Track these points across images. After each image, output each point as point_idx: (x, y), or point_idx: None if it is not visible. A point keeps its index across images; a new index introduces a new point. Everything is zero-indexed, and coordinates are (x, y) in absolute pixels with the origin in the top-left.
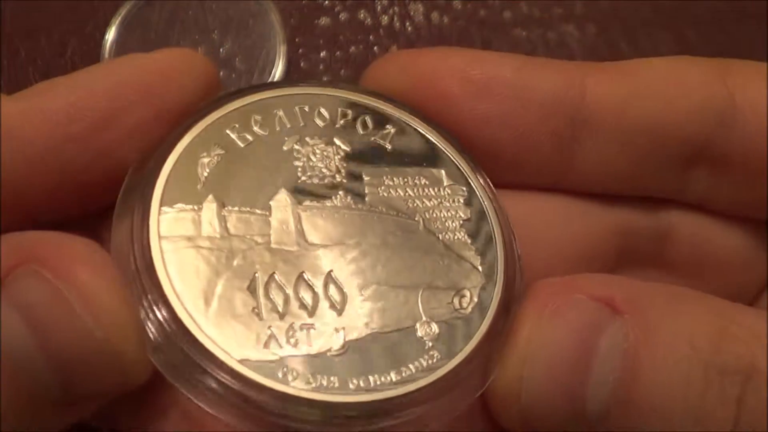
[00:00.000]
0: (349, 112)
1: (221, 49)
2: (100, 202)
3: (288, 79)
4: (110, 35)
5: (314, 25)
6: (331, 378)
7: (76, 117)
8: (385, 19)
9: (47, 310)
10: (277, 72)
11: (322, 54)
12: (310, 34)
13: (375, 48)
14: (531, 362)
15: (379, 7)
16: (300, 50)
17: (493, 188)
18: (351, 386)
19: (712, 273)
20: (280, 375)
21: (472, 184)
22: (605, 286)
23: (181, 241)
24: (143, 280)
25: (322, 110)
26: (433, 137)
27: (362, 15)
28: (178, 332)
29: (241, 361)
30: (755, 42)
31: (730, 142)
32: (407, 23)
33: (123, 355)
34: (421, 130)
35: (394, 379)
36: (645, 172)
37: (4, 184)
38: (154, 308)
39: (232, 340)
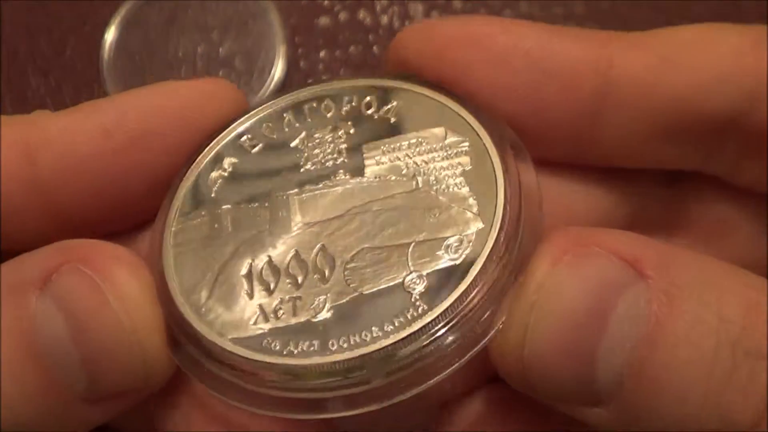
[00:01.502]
0: (354, 97)
1: (221, 49)
2: (136, 216)
3: (301, 84)
4: (110, 35)
5: (314, 25)
6: (313, 342)
7: (111, 134)
8: (384, 19)
9: (84, 301)
10: (277, 72)
11: (321, 54)
12: (310, 33)
13: (374, 48)
14: (539, 311)
15: (378, 7)
16: (299, 50)
17: (518, 142)
18: (331, 347)
19: (725, 245)
20: (263, 345)
21: (478, 133)
22: (633, 245)
23: (191, 244)
24: (161, 290)
25: (329, 102)
26: (441, 99)
27: (362, 15)
28: (181, 322)
29: (232, 340)
30: None
31: (761, 116)
32: (407, 23)
33: (146, 349)
34: (430, 95)
35: (374, 335)
36: (669, 147)
37: (49, 188)
38: (169, 314)
39: (226, 324)
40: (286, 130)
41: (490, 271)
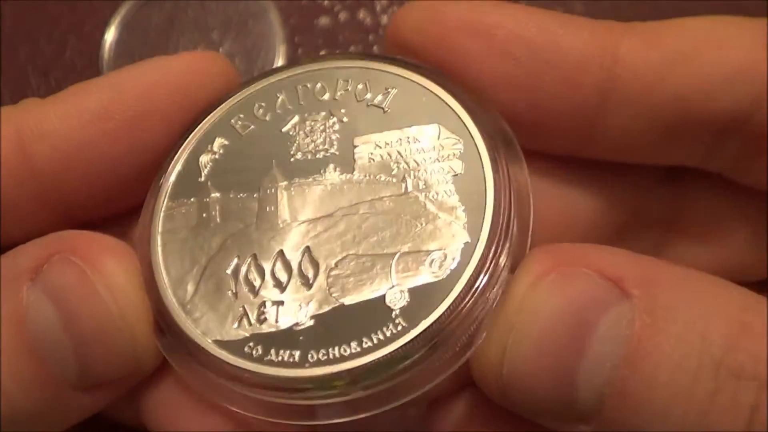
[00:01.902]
0: (349, 80)
1: (221, 49)
2: (135, 197)
3: (295, 59)
4: (110, 35)
5: (314, 25)
6: (293, 352)
7: (108, 116)
8: (384, 19)
9: (73, 289)
10: None
11: (321, 54)
12: (310, 33)
13: (374, 48)
14: (517, 333)
15: (378, 7)
16: (299, 50)
17: (512, 140)
18: (310, 359)
19: (724, 244)
20: (245, 351)
21: (472, 135)
22: (617, 262)
23: (179, 233)
24: (148, 272)
25: (323, 84)
26: (437, 91)
27: (362, 15)
28: (168, 317)
29: (215, 342)
30: None
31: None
32: None
33: (135, 334)
34: (425, 86)
35: (353, 351)
36: (671, 144)
37: (45, 179)
38: (154, 301)
39: (208, 322)
40: (279, 112)
41: (473, 290)
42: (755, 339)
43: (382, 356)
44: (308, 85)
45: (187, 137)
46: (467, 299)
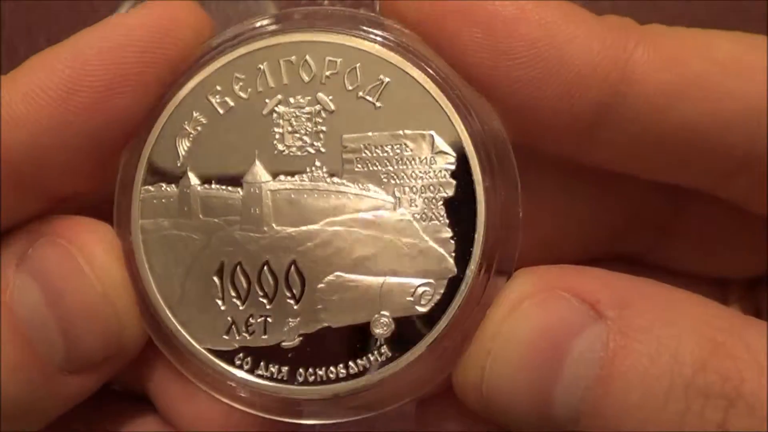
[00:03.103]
0: (339, 61)
1: None
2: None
3: (279, 20)
4: None
5: None
6: (282, 368)
7: (76, 89)
8: None
9: (58, 268)
10: None
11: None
12: None
13: None
14: (494, 358)
15: (378, 7)
16: None
17: (509, 151)
18: (299, 378)
19: (716, 247)
20: (236, 362)
21: (465, 149)
22: (594, 285)
23: (160, 223)
24: (130, 263)
25: (309, 60)
26: (431, 90)
27: None
28: (156, 317)
29: (206, 349)
30: None
31: None
32: None
33: (118, 311)
34: (421, 82)
35: (340, 375)
36: (675, 169)
37: (21, 169)
38: (139, 292)
39: (198, 328)
40: (260, 89)
41: (456, 323)
42: (726, 359)
43: (369, 383)
44: (292, 60)
45: (161, 110)
46: (450, 332)
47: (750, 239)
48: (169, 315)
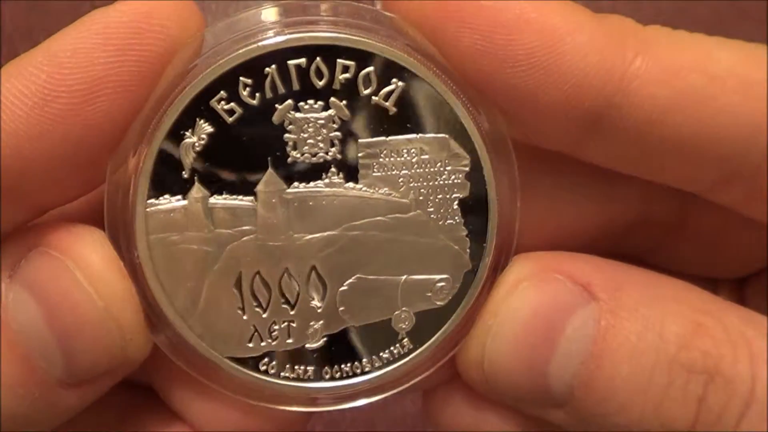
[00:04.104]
0: (352, 64)
1: None
2: (103, 176)
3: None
4: None
5: None
6: (308, 368)
7: (53, 95)
8: None
9: (55, 283)
10: None
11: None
12: None
13: None
14: (494, 335)
15: (379, 7)
16: None
17: (506, 139)
18: (325, 375)
19: (722, 247)
20: (261, 367)
21: (478, 152)
22: (587, 269)
23: (169, 238)
24: (135, 276)
25: (320, 65)
26: (441, 89)
27: None
28: (170, 331)
29: (228, 359)
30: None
31: None
32: None
33: (121, 324)
34: (433, 85)
35: (365, 369)
36: (668, 173)
37: (1, 180)
38: (147, 304)
39: (218, 338)
40: (269, 95)
41: (470, 313)
42: (707, 338)
43: (391, 370)
44: (302, 63)
45: (161, 119)
46: (465, 320)
47: (746, 242)
48: (187, 327)
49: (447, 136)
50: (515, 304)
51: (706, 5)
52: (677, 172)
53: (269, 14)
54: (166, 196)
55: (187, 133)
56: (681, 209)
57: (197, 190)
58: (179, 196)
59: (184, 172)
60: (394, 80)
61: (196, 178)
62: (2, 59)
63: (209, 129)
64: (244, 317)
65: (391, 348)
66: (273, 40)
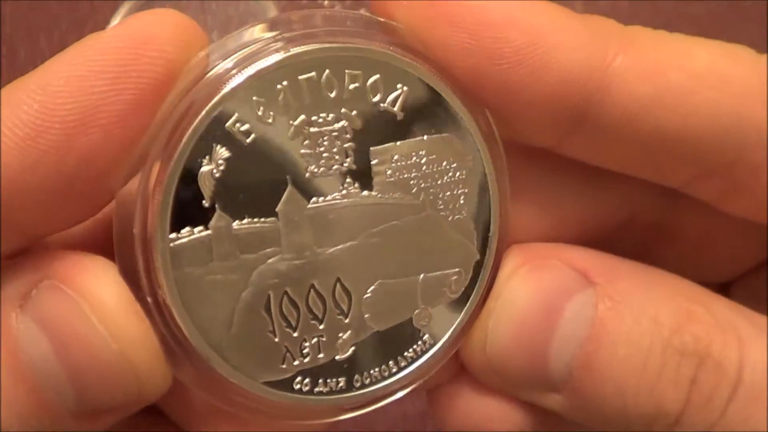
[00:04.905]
0: (359, 73)
1: None
2: (104, 205)
3: (283, 20)
4: None
5: None
6: (339, 380)
7: (46, 126)
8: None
9: (68, 323)
10: None
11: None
12: None
13: None
14: (496, 317)
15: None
16: None
17: (496, 134)
18: (356, 384)
19: (710, 253)
20: (295, 386)
21: (478, 147)
22: (585, 257)
23: (195, 272)
24: (160, 313)
25: (329, 76)
26: (441, 88)
27: None
28: (200, 364)
29: (263, 383)
30: (755, 43)
31: (759, 159)
32: None
33: (137, 367)
34: (432, 85)
35: (392, 370)
36: (649, 168)
37: None
38: (175, 341)
39: (253, 365)
40: (282, 112)
41: (481, 301)
42: (698, 323)
43: (415, 368)
44: (314, 76)
45: (175, 148)
46: (475, 311)
47: (730, 245)
48: (222, 361)
49: (449, 134)
50: (515, 287)
51: (706, 6)
52: (657, 166)
53: (266, 29)
54: (188, 228)
55: (204, 161)
56: (667, 213)
57: (219, 218)
58: (201, 227)
59: (204, 201)
60: (399, 85)
61: (217, 205)
62: (2, 59)
63: (226, 154)
64: (276, 339)
65: (414, 347)
66: (281, 55)
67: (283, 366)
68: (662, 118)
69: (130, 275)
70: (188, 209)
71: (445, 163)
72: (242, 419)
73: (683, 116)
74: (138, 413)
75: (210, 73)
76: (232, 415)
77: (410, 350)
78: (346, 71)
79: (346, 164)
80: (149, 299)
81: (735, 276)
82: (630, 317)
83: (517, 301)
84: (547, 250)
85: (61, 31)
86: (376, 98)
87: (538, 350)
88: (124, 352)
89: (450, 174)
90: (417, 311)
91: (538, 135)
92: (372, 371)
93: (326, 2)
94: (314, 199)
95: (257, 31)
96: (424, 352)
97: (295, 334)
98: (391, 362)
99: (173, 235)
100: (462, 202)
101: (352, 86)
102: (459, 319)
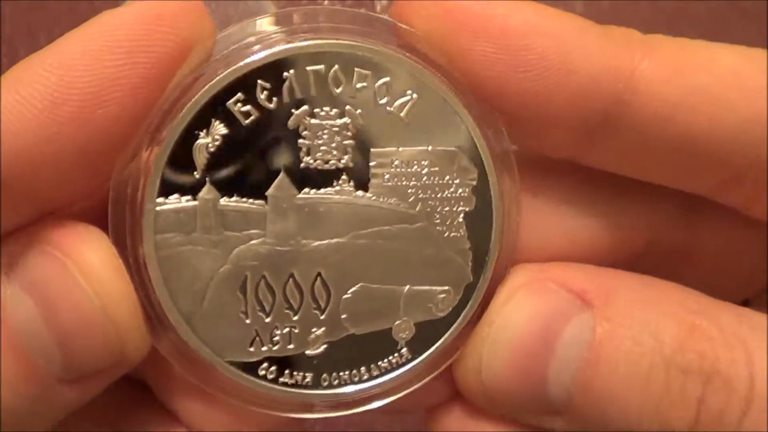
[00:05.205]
0: (368, 73)
1: None
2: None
3: (283, 20)
4: None
5: None
6: (306, 375)
7: (63, 98)
8: None
9: (54, 284)
10: None
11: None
12: None
13: None
14: (491, 343)
15: (378, 7)
16: None
17: (511, 155)
18: (323, 383)
19: (732, 273)
20: (260, 372)
21: (485, 165)
22: (580, 277)
23: (176, 238)
24: (139, 275)
25: (338, 72)
26: (453, 101)
27: None
28: (172, 333)
29: (229, 362)
30: (755, 43)
31: None
32: None
33: (118, 324)
34: (444, 96)
35: (363, 377)
36: (677, 174)
37: (8, 183)
38: (150, 305)
39: (220, 342)
40: (286, 99)
41: (470, 325)
42: (702, 340)
43: (389, 379)
44: (321, 70)
45: (175, 117)
46: (463, 333)
47: (747, 264)
48: (189, 330)
49: (456, 149)
50: (511, 313)
51: (706, 5)
52: (685, 171)
53: (284, 19)
54: (176, 195)
55: (201, 134)
56: (686, 234)
57: (208, 191)
58: (189, 197)
59: (195, 173)
60: (409, 92)
61: (207, 178)
62: (2, 59)
63: (224, 130)
64: (247, 321)
65: (390, 357)
66: (294, 44)
67: (251, 349)
68: (690, 121)
69: (120, 241)
70: (179, 177)
71: (447, 178)
72: (215, 400)
73: (711, 118)
74: (124, 390)
75: (215, 56)
76: (208, 395)
77: (385, 360)
78: (356, 69)
79: (343, 161)
80: (130, 259)
81: (750, 294)
82: (629, 338)
83: (513, 327)
84: (542, 272)
85: (61, 31)
86: (383, 101)
87: (536, 375)
88: (105, 308)
89: (452, 189)
90: (398, 322)
91: (562, 144)
92: (341, 373)
93: (326, 1)
94: (306, 189)
95: (265, 24)
96: (399, 366)
97: (267, 320)
98: (362, 368)
99: (161, 200)
100: (461, 220)
101: (359, 85)
102: (443, 339)
